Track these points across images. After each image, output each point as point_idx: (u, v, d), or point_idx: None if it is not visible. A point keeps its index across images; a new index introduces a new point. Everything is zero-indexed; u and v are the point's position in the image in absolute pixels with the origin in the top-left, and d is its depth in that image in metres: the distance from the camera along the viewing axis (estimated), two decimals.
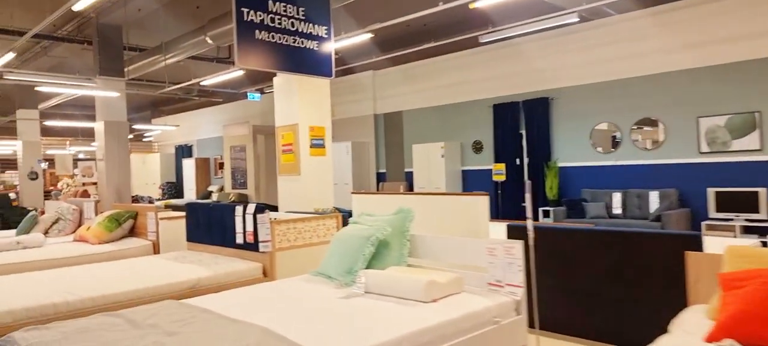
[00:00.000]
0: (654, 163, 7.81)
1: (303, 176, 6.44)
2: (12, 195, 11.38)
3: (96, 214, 6.59)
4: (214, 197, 14.79)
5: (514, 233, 3.82)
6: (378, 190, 10.95)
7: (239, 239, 4.26)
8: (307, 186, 6.50)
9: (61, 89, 8.50)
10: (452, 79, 9.87)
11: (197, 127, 16.53)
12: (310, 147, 6.52)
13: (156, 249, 5.41)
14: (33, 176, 14.78)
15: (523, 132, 8.97)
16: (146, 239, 5.53)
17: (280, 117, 6.70)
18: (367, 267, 3.08)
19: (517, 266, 2.74)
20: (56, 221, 6.72)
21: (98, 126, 11.04)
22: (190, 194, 16.12)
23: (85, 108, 16.37)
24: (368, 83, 11.13)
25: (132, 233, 5.81)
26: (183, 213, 5.72)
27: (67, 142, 16.94)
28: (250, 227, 4.13)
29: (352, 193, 4.94)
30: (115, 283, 3.42)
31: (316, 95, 6.66)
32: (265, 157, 13.17)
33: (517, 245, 2.75)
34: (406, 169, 10.67)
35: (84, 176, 17.90)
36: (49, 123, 12.46)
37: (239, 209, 4.25)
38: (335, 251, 3.18)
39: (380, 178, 11.16)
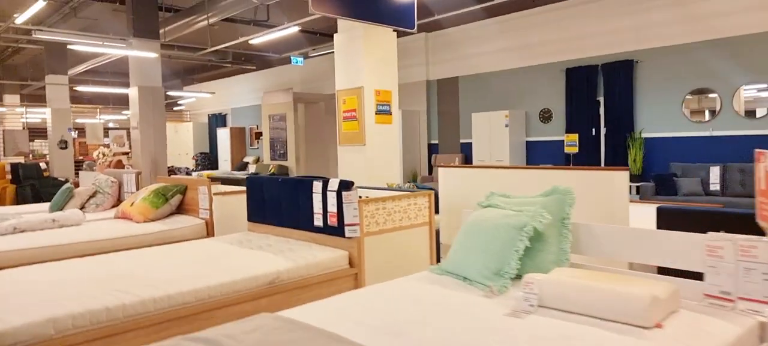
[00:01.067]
0: (762, 133, 6.81)
1: (368, 146, 5.65)
2: (42, 165, 10.85)
3: (137, 187, 5.92)
4: (252, 169, 14.17)
5: (673, 218, 2.95)
6: (431, 163, 10.12)
7: (318, 222, 3.50)
8: (373, 158, 5.71)
9: (93, 48, 7.82)
10: (517, 42, 8.90)
11: (232, 95, 15.85)
12: (376, 114, 5.71)
13: (209, 230, 4.71)
14: (63, 145, 14.32)
15: (601, 99, 8.00)
16: (197, 218, 4.82)
17: (341, 80, 5.89)
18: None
19: (762, 273, 1.91)
20: (93, 195, 6.08)
21: (132, 92, 10.39)
22: (225, 165, 15.54)
23: (117, 75, 15.80)
24: (420, 47, 10.23)
25: (179, 209, 5.12)
26: (238, 188, 5.00)
27: (98, 111, 16.44)
28: (332, 207, 3.36)
29: (440, 166, 4.15)
30: (179, 278, 2.70)
31: (383, 55, 5.82)
32: (305, 128, 12.42)
33: (763, 245, 1.91)
34: (462, 140, 9.81)
35: (116, 145, 17.45)
36: (81, 88, 11.87)
37: (318, 185, 3.48)
38: (472, 245, 2.38)
39: (432, 149, 10.32)
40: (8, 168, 10.13)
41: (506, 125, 8.53)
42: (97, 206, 6.00)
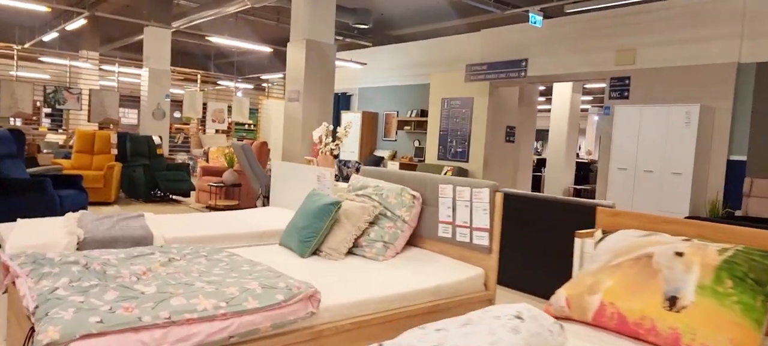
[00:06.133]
0: None
1: None
2: (156, 139, 7.78)
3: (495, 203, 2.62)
4: (393, 166, 10.91)
5: None
6: (743, 190, 6.61)
7: None
8: None
9: None
10: None
11: (361, 72, 12.62)
12: None
13: None
14: (160, 114, 11.38)
15: None
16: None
17: None
18: None
19: None
20: (375, 221, 2.83)
21: (293, 50, 7.17)
22: (349, 157, 12.32)
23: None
24: (731, 10, 6.71)
25: None
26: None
27: (198, 76, 13.45)
28: None
29: None
30: None
31: None
32: (492, 119, 9.05)
33: None
34: None
35: (214, 120, 14.49)
36: (214, 39, 8.73)
37: None
38: None
39: (735, 169, 6.81)
40: (114, 139, 7.07)
41: None
42: (385, 245, 2.75)
